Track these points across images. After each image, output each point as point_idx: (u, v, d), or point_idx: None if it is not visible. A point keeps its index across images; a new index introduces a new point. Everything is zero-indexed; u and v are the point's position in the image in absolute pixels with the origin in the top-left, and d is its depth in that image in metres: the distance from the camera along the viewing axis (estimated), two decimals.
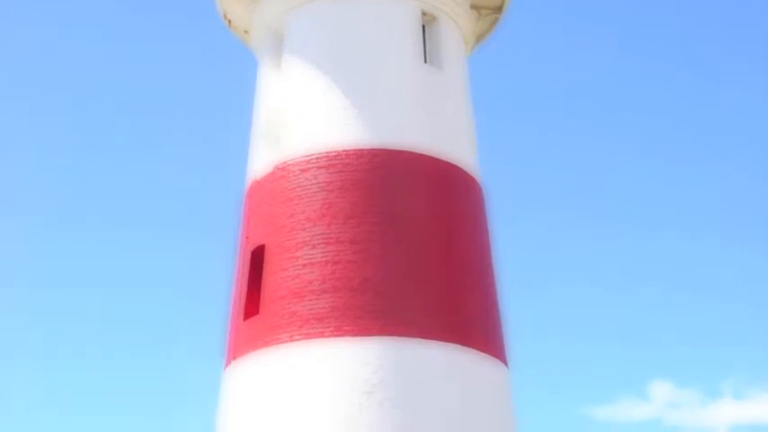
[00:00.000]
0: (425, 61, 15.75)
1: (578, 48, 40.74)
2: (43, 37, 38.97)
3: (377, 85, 15.20)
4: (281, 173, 14.93)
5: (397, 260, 14.07)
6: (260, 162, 15.49)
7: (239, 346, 14.44)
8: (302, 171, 14.72)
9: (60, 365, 35.22)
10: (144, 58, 39.50)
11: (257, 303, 14.41)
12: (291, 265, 14.21)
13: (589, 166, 39.04)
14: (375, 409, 13.17)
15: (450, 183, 15.04)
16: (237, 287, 15.11)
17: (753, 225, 39.31)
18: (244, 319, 14.54)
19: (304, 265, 14.11)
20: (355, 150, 14.65)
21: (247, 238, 15.24)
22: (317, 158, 14.70)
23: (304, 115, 15.16)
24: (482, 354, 14.11)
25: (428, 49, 15.96)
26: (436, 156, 14.94)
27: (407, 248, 14.19)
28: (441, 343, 13.73)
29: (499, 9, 17.14)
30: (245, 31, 17.28)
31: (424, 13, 15.97)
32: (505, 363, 14.78)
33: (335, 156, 14.64)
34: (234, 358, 14.50)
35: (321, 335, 13.63)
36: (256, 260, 14.73)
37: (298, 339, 13.72)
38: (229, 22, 17.34)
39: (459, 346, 13.84)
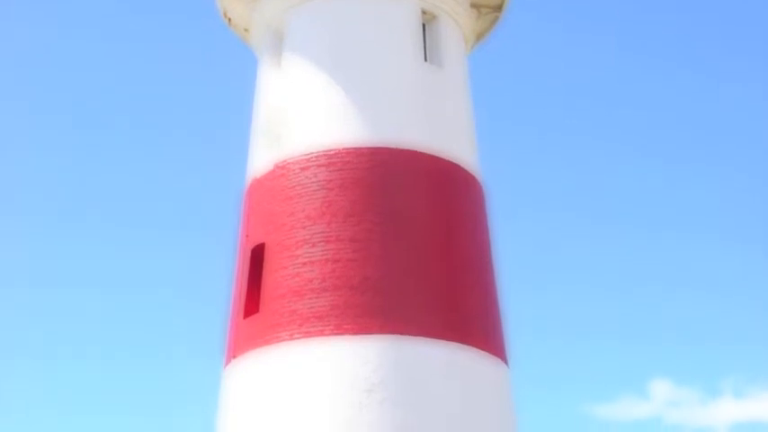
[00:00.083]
0: (425, 60, 15.75)
1: (578, 46, 40.76)
2: (43, 37, 39.00)
3: (377, 84, 15.19)
4: (280, 171, 14.93)
5: (397, 258, 14.07)
6: (260, 160, 15.49)
7: (239, 345, 14.44)
8: (302, 169, 14.71)
9: (60, 365, 35.26)
10: (144, 57, 39.53)
11: (257, 302, 14.41)
12: (291, 263, 14.21)
13: (589, 164, 39.07)
14: (375, 408, 13.17)
15: (451, 181, 15.04)
16: (237, 285, 15.11)
17: (752, 224, 39.34)
18: (244, 318, 14.54)
19: (304, 264, 14.11)
20: (355, 148, 14.65)
21: (247, 236, 15.24)
22: (316, 156, 14.70)
23: (304, 113, 15.16)
24: (482, 352, 14.11)
25: (428, 47, 15.96)
26: (436, 154, 14.94)
27: (407, 247, 14.19)
28: (441, 341, 13.73)
29: (499, 8, 17.14)
30: (245, 30, 17.28)
31: (424, 12, 15.97)
32: (505, 361, 14.78)
33: (335, 154, 14.64)
34: (234, 356, 14.50)
35: (321, 333, 13.63)
36: (256, 258, 14.73)
37: (298, 338, 13.72)
38: (229, 20, 17.33)
39: (460, 345, 13.84)
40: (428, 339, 13.66)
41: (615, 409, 37.41)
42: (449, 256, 14.43)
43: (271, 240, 14.59)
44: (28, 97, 39.24)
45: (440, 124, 15.33)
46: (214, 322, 17.40)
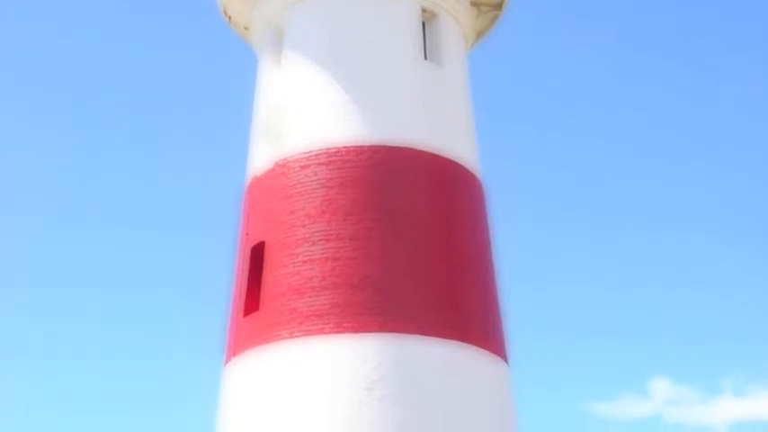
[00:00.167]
0: (425, 58, 15.75)
1: (578, 45, 40.77)
2: (43, 37, 38.99)
3: (377, 82, 15.19)
4: (280, 169, 14.93)
5: (397, 257, 14.07)
6: (260, 158, 15.49)
7: (239, 343, 14.44)
8: (302, 167, 14.71)
9: (60, 365, 35.26)
10: (144, 56, 39.56)
11: (257, 300, 14.41)
12: (291, 261, 14.21)
13: (589, 163, 39.09)
14: (375, 406, 13.16)
15: (451, 179, 15.04)
16: (237, 284, 15.11)
17: (752, 224, 39.34)
18: (244, 316, 14.54)
19: (304, 262, 14.11)
20: (355, 147, 14.65)
21: (247, 234, 15.24)
22: (316, 155, 14.70)
23: (304, 111, 15.15)
24: (482, 350, 14.11)
25: (428, 45, 15.96)
26: (436, 152, 14.93)
27: (407, 245, 14.19)
28: (441, 339, 13.72)
29: (499, 6, 17.14)
30: (246, 28, 17.27)
31: (424, 10, 15.97)
32: (505, 359, 14.77)
33: (335, 152, 14.64)
34: (234, 355, 14.49)
35: (321, 331, 13.63)
36: (256, 257, 14.73)
37: (298, 336, 13.71)
38: (229, 18, 17.33)
39: (459, 343, 13.84)
40: (428, 337, 13.66)
41: (615, 408, 37.44)
42: (449, 254, 14.43)
43: (271, 238, 14.58)
44: (28, 97, 39.29)
45: (440, 122, 15.33)
46: (214, 320, 17.42)
